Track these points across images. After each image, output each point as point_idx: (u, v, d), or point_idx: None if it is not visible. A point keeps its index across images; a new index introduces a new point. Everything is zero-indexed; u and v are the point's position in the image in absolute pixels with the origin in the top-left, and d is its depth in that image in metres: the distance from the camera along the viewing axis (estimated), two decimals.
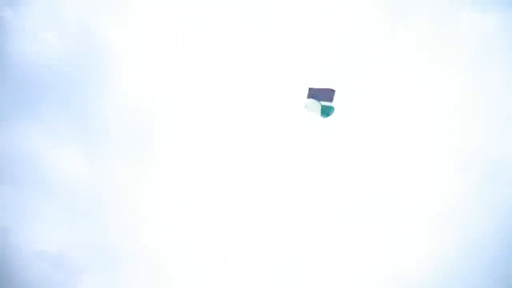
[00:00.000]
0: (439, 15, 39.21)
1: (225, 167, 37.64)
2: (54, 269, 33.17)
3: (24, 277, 32.40)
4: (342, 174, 38.49)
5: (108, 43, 36.65)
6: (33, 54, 34.63)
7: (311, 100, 31.90)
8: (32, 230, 33.79)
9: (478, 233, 35.49)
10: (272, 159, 38.45)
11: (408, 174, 37.96)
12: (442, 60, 38.88)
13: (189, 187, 36.85)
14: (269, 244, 36.49)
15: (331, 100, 31.75)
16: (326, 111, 31.88)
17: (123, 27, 37.39)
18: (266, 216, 37.09)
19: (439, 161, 37.99)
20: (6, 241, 32.80)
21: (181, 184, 36.84)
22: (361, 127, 39.07)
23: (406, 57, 39.54)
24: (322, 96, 31.81)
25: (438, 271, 35.19)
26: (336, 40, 39.89)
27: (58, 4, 35.86)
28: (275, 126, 39.11)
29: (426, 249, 35.65)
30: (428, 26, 39.33)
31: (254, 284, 35.64)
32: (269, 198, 37.47)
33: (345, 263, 36.18)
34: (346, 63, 39.17)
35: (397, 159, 38.50)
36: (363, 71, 39.32)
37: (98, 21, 36.67)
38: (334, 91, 31.44)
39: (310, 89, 31.70)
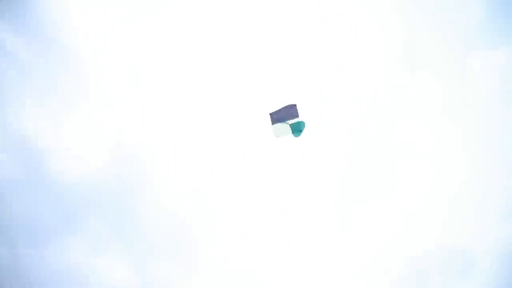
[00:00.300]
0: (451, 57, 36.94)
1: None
2: None
3: None
4: (342, 174, 37.21)
5: (144, 155, 37.66)
6: (76, 173, 36.10)
7: (277, 125, 29.02)
8: None
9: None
10: (272, 159, 36.83)
11: (408, 173, 36.70)
12: (456, 101, 36.70)
13: None
14: (269, 244, 36.04)
15: (297, 115, 28.75)
16: (297, 128, 28.86)
17: (157, 136, 37.94)
18: (265, 216, 36.46)
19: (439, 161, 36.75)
20: None
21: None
22: (361, 127, 37.68)
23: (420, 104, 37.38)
24: (286, 115, 28.86)
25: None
26: (349, 84, 38.02)
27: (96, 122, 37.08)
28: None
29: (426, 249, 34.76)
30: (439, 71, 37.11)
31: (254, 284, 35.43)
32: (269, 198, 36.63)
33: (345, 263, 35.69)
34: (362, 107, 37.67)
35: (397, 159, 37.16)
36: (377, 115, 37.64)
37: (133, 135, 37.43)
38: (295, 105, 28.45)
39: (271, 114, 28.84)
